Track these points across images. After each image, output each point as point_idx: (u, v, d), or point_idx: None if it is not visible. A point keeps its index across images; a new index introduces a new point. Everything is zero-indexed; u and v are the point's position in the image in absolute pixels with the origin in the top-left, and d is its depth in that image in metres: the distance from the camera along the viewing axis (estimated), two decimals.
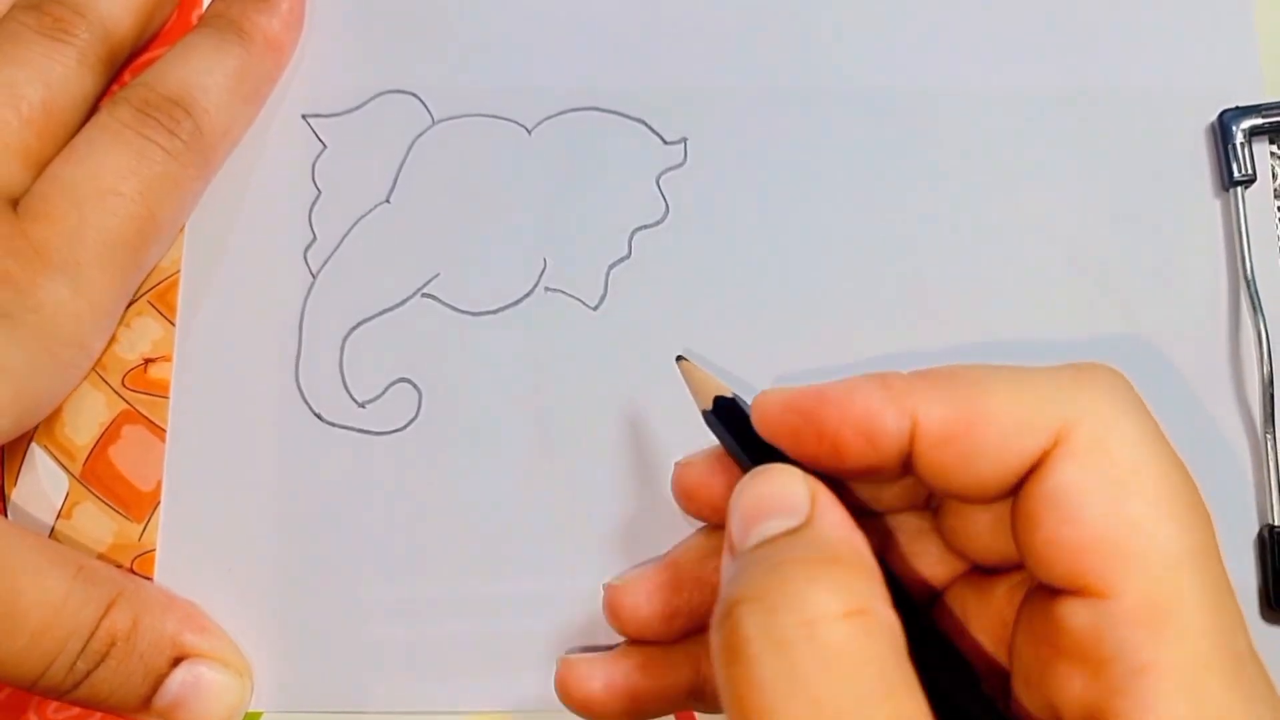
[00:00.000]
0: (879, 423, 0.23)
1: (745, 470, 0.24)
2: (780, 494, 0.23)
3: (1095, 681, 0.21)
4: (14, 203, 0.31)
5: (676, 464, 0.28)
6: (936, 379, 0.23)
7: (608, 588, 0.29)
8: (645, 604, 0.28)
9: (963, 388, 0.23)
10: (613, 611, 0.28)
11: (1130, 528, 0.21)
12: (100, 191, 0.31)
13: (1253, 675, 0.21)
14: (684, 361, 0.29)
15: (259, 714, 0.31)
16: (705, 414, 0.27)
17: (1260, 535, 0.32)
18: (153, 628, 0.30)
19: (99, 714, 0.31)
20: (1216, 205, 0.34)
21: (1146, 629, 0.21)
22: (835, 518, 0.22)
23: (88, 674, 0.29)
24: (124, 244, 0.31)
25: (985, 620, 0.25)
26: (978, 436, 0.23)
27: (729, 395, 0.27)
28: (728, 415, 0.27)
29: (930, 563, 0.27)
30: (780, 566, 0.21)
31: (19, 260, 0.29)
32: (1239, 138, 0.33)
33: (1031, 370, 0.23)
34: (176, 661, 0.30)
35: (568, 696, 0.28)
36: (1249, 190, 0.33)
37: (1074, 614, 0.22)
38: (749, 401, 0.26)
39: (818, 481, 0.23)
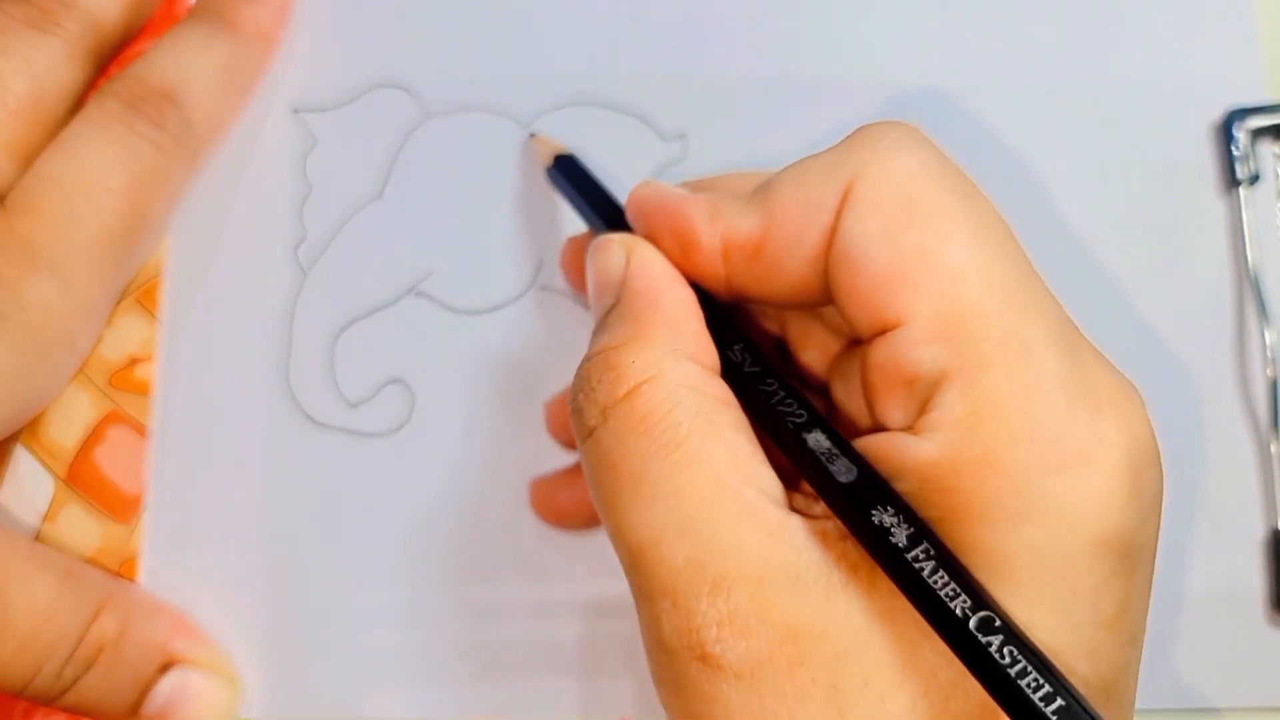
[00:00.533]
0: (692, 239, 0.25)
1: (590, 225, 0.28)
2: (604, 269, 0.25)
3: (906, 404, 0.22)
4: (1, 197, 0.30)
5: (531, 482, 0.31)
6: (745, 197, 0.24)
7: (532, 484, 0.31)
8: (565, 492, 0.31)
9: (761, 196, 0.24)
10: (537, 506, 0.31)
11: (910, 256, 0.22)
12: (89, 187, 0.30)
13: (1041, 360, 0.21)
14: (534, 136, 0.32)
15: None
16: (548, 170, 0.30)
17: (1267, 539, 0.31)
18: (141, 633, 0.29)
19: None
20: (1220, 205, 0.33)
21: (937, 343, 0.21)
22: (640, 284, 0.24)
23: (75, 680, 0.28)
24: (113, 239, 0.30)
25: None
26: (777, 244, 0.24)
27: (569, 153, 0.30)
28: (571, 173, 0.30)
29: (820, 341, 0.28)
30: (587, 364, 0.24)
31: (7, 257, 0.29)
32: (1243, 138, 0.33)
33: (817, 154, 0.24)
34: (165, 668, 0.29)
35: (543, 512, 0.31)
36: (1253, 190, 0.33)
37: (877, 352, 0.22)
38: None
39: (636, 244, 0.25)
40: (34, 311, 0.29)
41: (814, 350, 0.27)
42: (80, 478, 0.32)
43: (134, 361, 0.32)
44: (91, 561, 0.31)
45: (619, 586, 0.30)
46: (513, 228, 0.33)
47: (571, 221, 0.33)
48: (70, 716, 0.31)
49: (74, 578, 0.29)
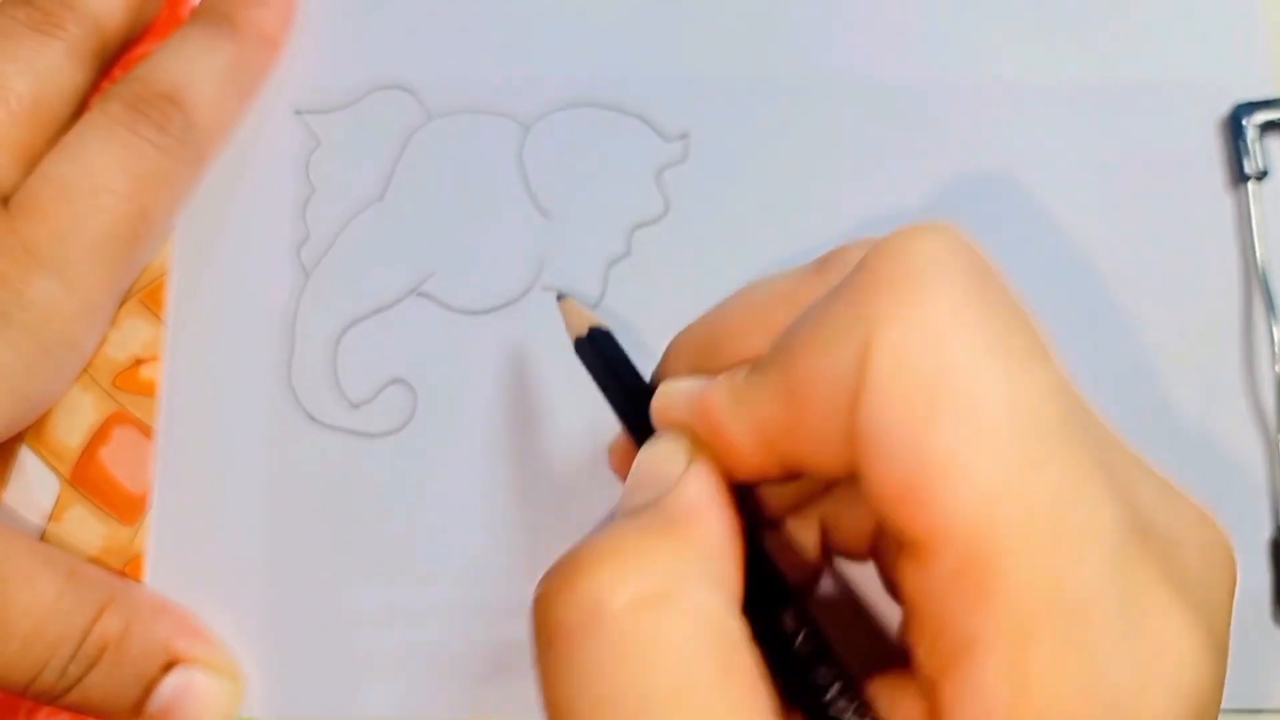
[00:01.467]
0: (730, 439, 0.21)
1: (615, 409, 0.26)
2: (658, 462, 0.22)
3: (931, 655, 0.18)
4: (4, 199, 0.30)
5: (610, 449, 0.28)
6: (764, 369, 0.21)
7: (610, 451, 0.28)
8: None
9: (781, 367, 0.20)
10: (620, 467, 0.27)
11: (936, 466, 0.17)
12: (92, 189, 0.30)
13: (1098, 627, 0.17)
14: (565, 300, 0.29)
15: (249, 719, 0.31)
16: (577, 342, 0.27)
17: (1274, 540, 0.31)
18: (144, 633, 0.29)
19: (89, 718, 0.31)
20: (1228, 200, 0.33)
21: (967, 594, 0.17)
22: (691, 493, 0.21)
23: (79, 679, 0.28)
24: (116, 241, 0.30)
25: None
26: (808, 421, 0.19)
27: (604, 328, 0.27)
28: (601, 348, 0.27)
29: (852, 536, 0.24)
30: (591, 538, 0.19)
31: (10, 259, 0.29)
32: (1251, 133, 0.33)
33: (830, 298, 0.20)
34: (168, 667, 0.30)
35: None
36: (1261, 185, 0.33)
37: (906, 575, 0.18)
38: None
39: (699, 456, 0.21)
40: (37, 312, 0.29)
41: (852, 523, 0.24)
42: (85, 478, 0.32)
43: (138, 362, 0.32)
44: (96, 561, 0.31)
45: None
46: (515, 228, 0.33)
47: (577, 232, 0.33)
48: (74, 715, 0.31)
49: (77, 576, 0.29)
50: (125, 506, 0.32)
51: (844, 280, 0.20)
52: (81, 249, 0.30)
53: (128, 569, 0.31)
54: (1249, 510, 0.31)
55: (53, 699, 0.29)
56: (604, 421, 0.32)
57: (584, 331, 0.27)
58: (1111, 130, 0.34)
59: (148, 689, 0.29)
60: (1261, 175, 0.33)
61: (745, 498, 0.22)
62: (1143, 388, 0.32)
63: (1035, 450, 0.17)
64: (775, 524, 0.25)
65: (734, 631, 0.19)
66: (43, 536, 0.32)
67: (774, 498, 0.24)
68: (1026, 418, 0.18)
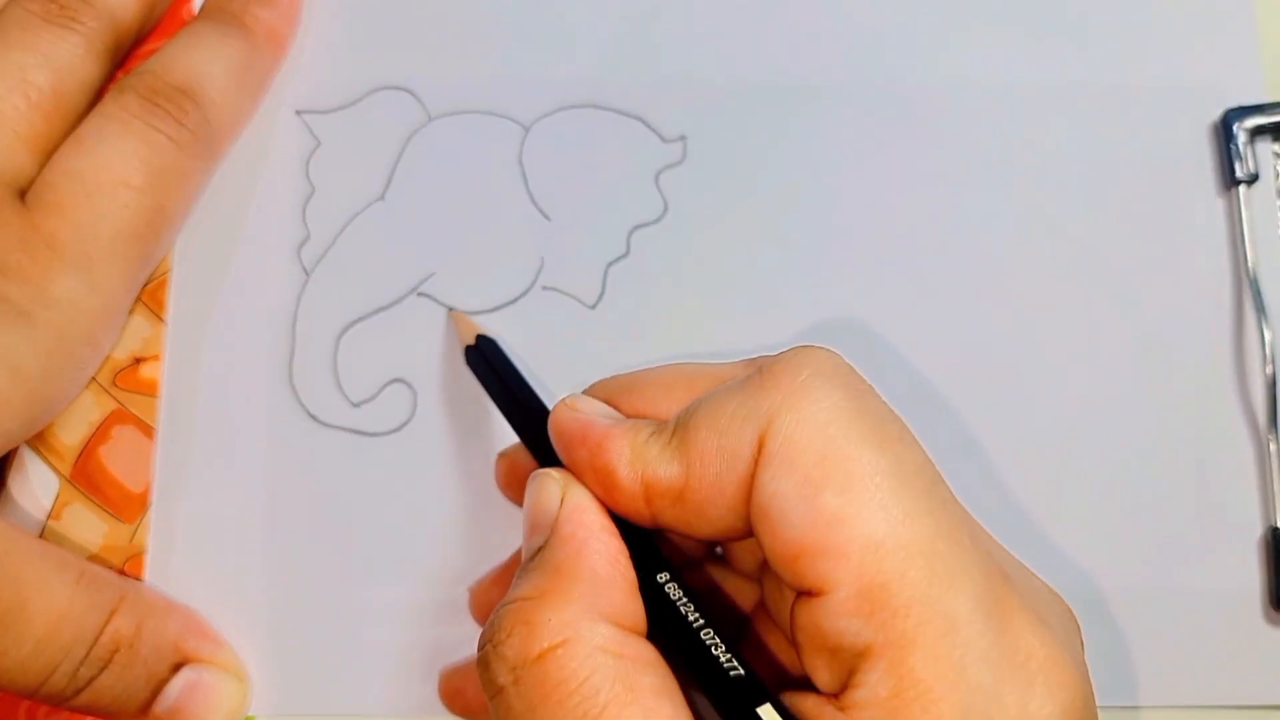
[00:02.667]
0: (613, 480, 0.24)
1: (507, 418, 0.28)
2: (538, 506, 0.24)
3: (828, 675, 0.22)
4: (20, 192, 0.30)
5: (498, 455, 0.31)
6: (665, 435, 0.24)
7: (441, 675, 0.31)
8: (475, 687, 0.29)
9: (680, 438, 0.23)
10: (445, 698, 0.31)
11: (828, 524, 0.21)
12: (111, 183, 0.30)
13: (966, 636, 0.21)
14: (453, 311, 0.31)
15: (252, 718, 0.31)
16: (467, 350, 0.30)
17: (1265, 536, 0.31)
18: (156, 633, 0.29)
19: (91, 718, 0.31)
20: (1219, 204, 0.34)
21: (859, 617, 0.21)
22: (569, 530, 0.23)
23: (90, 681, 0.28)
24: (135, 236, 0.30)
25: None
26: (696, 490, 0.23)
27: (490, 336, 0.30)
28: (491, 358, 0.30)
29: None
30: (500, 612, 0.23)
31: (31, 254, 0.29)
32: (1241, 137, 0.33)
33: (731, 389, 0.23)
34: (177, 667, 0.30)
35: (451, 705, 0.31)
36: (1251, 189, 0.33)
37: (800, 616, 0.22)
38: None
39: (570, 485, 0.24)
40: (60, 309, 0.29)
41: (746, 552, 0.27)
42: (85, 476, 0.32)
43: (138, 361, 0.32)
44: (95, 559, 0.31)
45: None
46: (515, 228, 0.33)
47: (576, 232, 0.33)
48: (79, 716, 0.31)
49: (88, 578, 0.29)
50: (125, 504, 0.32)
51: (743, 380, 0.23)
52: (102, 245, 0.30)
53: (128, 567, 0.31)
54: (1241, 509, 0.32)
55: (62, 701, 0.28)
56: None
57: (471, 340, 0.30)
58: (1104, 134, 0.34)
59: (157, 689, 0.29)
60: (1252, 179, 0.33)
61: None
62: (1135, 387, 0.32)
63: (910, 506, 0.21)
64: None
65: (631, 652, 0.22)
66: (42, 534, 0.31)
67: None
68: (900, 482, 0.21)
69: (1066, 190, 0.34)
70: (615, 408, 0.26)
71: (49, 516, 0.32)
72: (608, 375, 0.32)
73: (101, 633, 0.28)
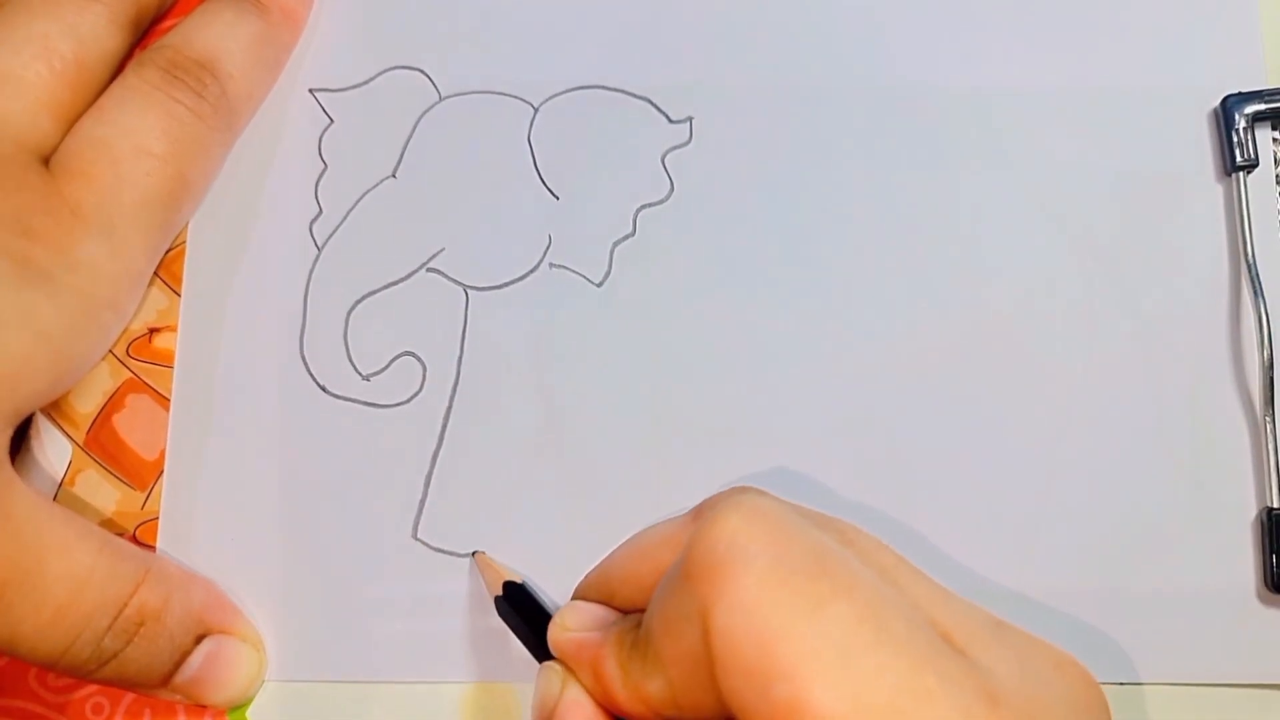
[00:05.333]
0: (611, 693, 0.24)
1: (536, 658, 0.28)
2: (540, 696, 0.26)
3: None
4: (44, 158, 0.30)
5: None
6: (640, 646, 0.24)
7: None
8: None
9: (653, 649, 0.23)
10: None
11: (784, 714, 0.20)
12: (134, 150, 0.30)
13: None
14: (479, 555, 0.32)
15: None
16: (497, 600, 0.30)
17: (1259, 518, 0.32)
18: (181, 605, 0.30)
19: (94, 686, 0.31)
20: (1219, 190, 0.34)
21: None
22: None
23: (116, 654, 0.28)
24: (158, 204, 0.31)
25: None
26: (683, 694, 0.23)
27: (519, 582, 0.30)
28: (518, 602, 0.30)
29: None
30: None
31: (56, 219, 0.29)
32: (1241, 123, 0.33)
33: (671, 584, 0.23)
34: (200, 638, 0.30)
35: None
36: (1251, 175, 0.33)
37: None
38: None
39: (569, 681, 0.25)
40: (84, 274, 0.29)
41: None
42: (99, 443, 0.32)
43: (153, 331, 0.33)
44: (107, 524, 0.32)
45: None
46: (523, 206, 0.34)
47: (584, 211, 0.33)
48: (99, 687, 0.31)
49: (111, 548, 0.29)
50: (138, 472, 0.32)
51: (677, 572, 0.22)
52: (125, 211, 0.30)
53: (140, 533, 0.32)
54: (1236, 490, 0.32)
55: (86, 673, 0.28)
56: (608, 396, 0.33)
57: (499, 590, 0.30)
58: (1103, 120, 0.34)
59: (180, 661, 0.30)
60: (1251, 166, 0.33)
61: None
62: (1133, 371, 0.33)
63: (862, 671, 0.20)
64: None
65: None
66: (56, 500, 0.32)
67: None
68: (844, 650, 0.20)
69: (1066, 177, 0.34)
70: (607, 602, 0.27)
71: (62, 483, 0.32)
72: (613, 352, 0.33)
73: (127, 604, 0.28)
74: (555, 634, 0.26)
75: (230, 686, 0.30)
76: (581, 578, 0.28)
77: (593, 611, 0.26)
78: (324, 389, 0.33)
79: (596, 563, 0.28)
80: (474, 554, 0.32)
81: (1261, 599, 0.32)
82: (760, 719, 0.20)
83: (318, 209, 0.34)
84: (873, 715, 0.20)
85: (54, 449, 0.32)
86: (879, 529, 0.24)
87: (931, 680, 0.20)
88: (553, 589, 0.32)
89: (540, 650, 0.28)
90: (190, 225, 0.34)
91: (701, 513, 0.25)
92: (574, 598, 0.28)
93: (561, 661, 0.26)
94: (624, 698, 0.24)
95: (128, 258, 0.30)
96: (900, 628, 0.21)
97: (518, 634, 0.29)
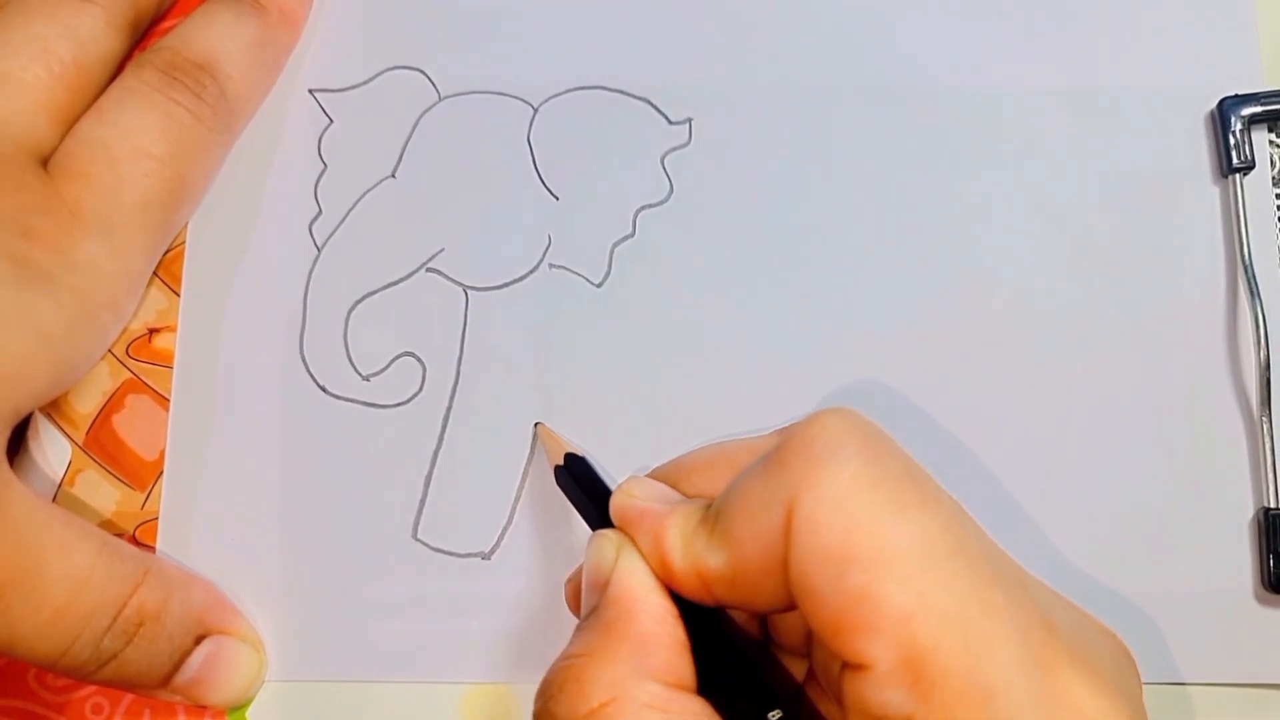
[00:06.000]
0: (668, 563, 0.24)
1: (592, 528, 0.28)
2: (593, 565, 0.25)
3: None
4: (43, 160, 0.30)
5: (567, 580, 0.30)
6: (708, 524, 0.24)
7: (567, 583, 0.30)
8: None
9: (722, 527, 0.23)
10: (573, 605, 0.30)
11: (857, 602, 0.21)
12: (133, 152, 0.30)
13: (1004, 705, 0.20)
14: (540, 426, 0.32)
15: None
16: (556, 469, 0.30)
17: (1257, 518, 0.32)
18: (181, 606, 0.30)
19: (93, 687, 0.31)
20: (1215, 192, 0.34)
21: (901, 688, 0.21)
22: (618, 591, 0.24)
23: (116, 654, 0.28)
24: (156, 205, 0.31)
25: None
26: (744, 576, 0.23)
27: (580, 454, 0.30)
28: (579, 473, 0.29)
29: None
30: (553, 669, 0.23)
31: (55, 220, 0.29)
32: (1238, 125, 0.34)
33: (756, 470, 0.23)
34: (200, 639, 0.30)
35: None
36: (1247, 177, 0.34)
37: (847, 683, 0.22)
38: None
39: (624, 546, 0.25)
40: (83, 275, 0.29)
41: (790, 625, 0.27)
42: (98, 443, 0.32)
43: (153, 332, 0.33)
44: (107, 525, 0.32)
45: None
46: (523, 207, 0.34)
47: (583, 212, 0.33)
48: (98, 688, 0.31)
49: (111, 549, 0.29)
50: (137, 472, 0.32)
51: (765, 457, 0.23)
52: (124, 212, 0.30)
53: (139, 533, 0.32)
54: (1234, 490, 0.32)
55: (86, 674, 0.28)
56: (607, 396, 0.33)
57: (560, 460, 0.30)
58: (1101, 122, 0.34)
59: (180, 661, 0.30)
60: (1248, 167, 0.33)
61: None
62: (1131, 372, 0.33)
63: (937, 574, 0.21)
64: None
65: (678, 708, 0.22)
66: (55, 500, 0.32)
67: None
68: (924, 552, 0.21)
69: (1064, 179, 0.34)
70: (675, 487, 0.27)
71: (61, 483, 0.32)
72: (612, 352, 0.33)
73: (126, 605, 0.28)
74: (620, 499, 0.26)
75: (230, 687, 0.30)
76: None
77: (658, 487, 0.26)
78: (324, 389, 0.33)
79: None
80: (536, 425, 0.32)
81: (1259, 599, 0.32)
82: (827, 604, 0.21)
83: (317, 209, 0.34)
84: (940, 617, 0.21)
85: (53, 449, 0.32)
86: None
87: (999, 596, 0.21)
88: (557, 588, 0.32)
89: (598, 522, 0.28)
90: (190, 225, 0.34)
91: (785, 433, 0.25)
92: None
93: (620, 529, 0.26)
94: (681, 569, 0.24)
95: (127, 258, 0.30)
96: (975, 546, 0.22)
97: (576, 504, 0.29)
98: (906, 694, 0.21)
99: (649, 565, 0.25)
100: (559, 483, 0.30)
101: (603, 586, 0.25)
